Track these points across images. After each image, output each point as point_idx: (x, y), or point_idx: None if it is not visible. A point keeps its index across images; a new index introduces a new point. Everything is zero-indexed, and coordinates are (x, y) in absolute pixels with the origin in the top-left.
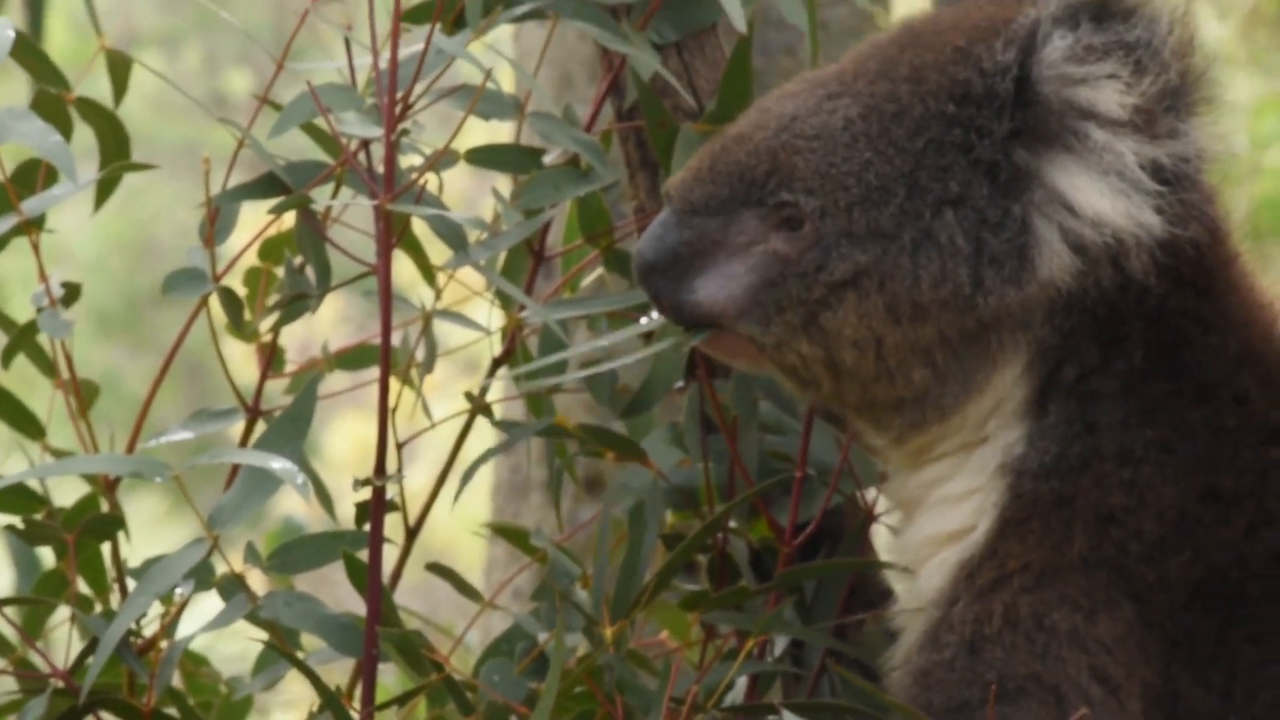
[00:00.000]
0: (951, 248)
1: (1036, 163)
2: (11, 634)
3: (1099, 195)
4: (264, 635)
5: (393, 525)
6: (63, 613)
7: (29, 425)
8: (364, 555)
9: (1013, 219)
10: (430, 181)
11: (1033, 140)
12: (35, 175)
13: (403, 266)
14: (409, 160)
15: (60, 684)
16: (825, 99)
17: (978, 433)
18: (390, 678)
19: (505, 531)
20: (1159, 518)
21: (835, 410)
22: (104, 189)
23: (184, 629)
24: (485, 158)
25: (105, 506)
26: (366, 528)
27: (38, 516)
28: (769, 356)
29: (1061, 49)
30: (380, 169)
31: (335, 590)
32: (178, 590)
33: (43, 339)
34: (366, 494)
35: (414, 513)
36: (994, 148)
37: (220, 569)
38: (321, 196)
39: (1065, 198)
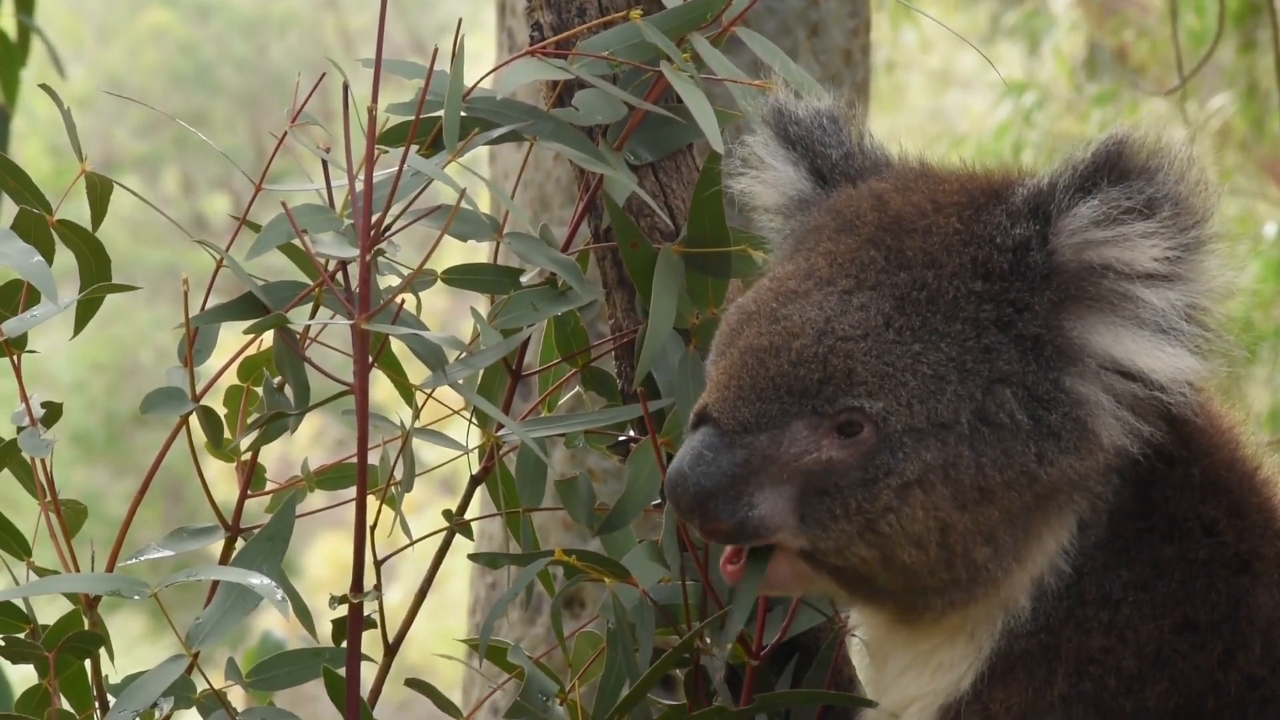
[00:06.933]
0: (1012, 425)
1: (1080, 330)
2: None
3: (1146, 353)
4: None
5: (373, 642)
6: None
7: (16, 544)
8: (343, 671)
9: (1065, 390)
10: (408, 301)
11: (1072, 308)
12: (17, 296)
13: (381, 385)
14: (387, 280)
15: None
16: (844, 295)
17: (1008, 602)
18: None
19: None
20: (1138, 654)
21: (865, 601)
22: (85, 311)
23: None
24: (463, 278)
25: (86, 624)
26: (345, 644)
27: (20, 635)
28: (825, 563)
29: (1086, 215)
30: (358, 289)
31: (315, 706)
32: (157, 707)
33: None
34: (345, 611)
35: (393, 629)
36: (1035, 321)
37: (201, 686)
38: (300, 317)
39: (1115, 361)
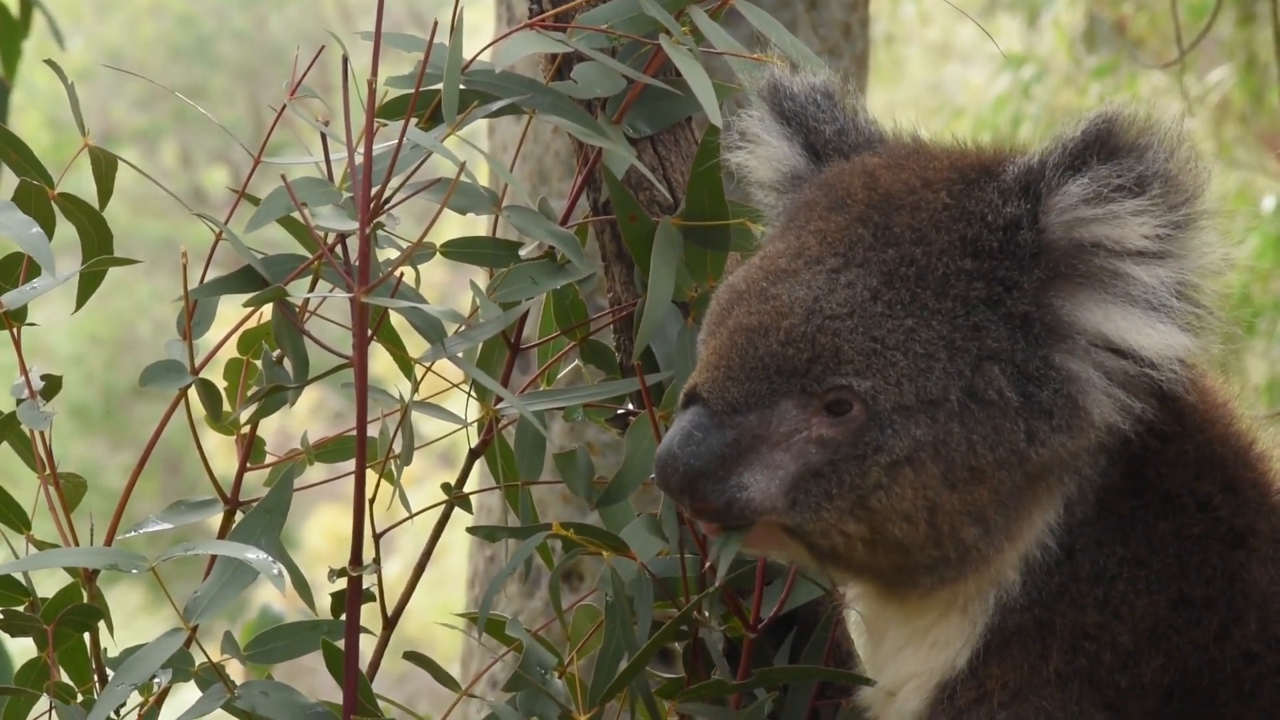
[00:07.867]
0: (1001, 402)
1: (1070, 308)
2: None
3: (1136, 330)
4: None
5: (372, 615)
6: (45, 703)
7: (15, 517)
8: (342, 644)
9: (1055, 367)
10: (407, 274)
11: (1062, 286)
12: (17, 269)
13: (380, 359)
14: (386, 253)
15: None
16: (832, 273)
17: (998, 578)
18: None
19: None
20: (1133, 630)
21: (847, 576)
22: (87, 284)
23: (163, 719)
24: (462, 251)
25: (85, 597)
26: (344, 617)
27: (20, 608)
28: (806, 541)
29: (1075, 193)
30: (357, 262)
31: (313, 679)
32: (156, 680)
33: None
34: (343, 584)
35: (392, 602)
36: (1024, 299)
37: (199, 659)
38: (299, 289)
39: (1106, 338)
